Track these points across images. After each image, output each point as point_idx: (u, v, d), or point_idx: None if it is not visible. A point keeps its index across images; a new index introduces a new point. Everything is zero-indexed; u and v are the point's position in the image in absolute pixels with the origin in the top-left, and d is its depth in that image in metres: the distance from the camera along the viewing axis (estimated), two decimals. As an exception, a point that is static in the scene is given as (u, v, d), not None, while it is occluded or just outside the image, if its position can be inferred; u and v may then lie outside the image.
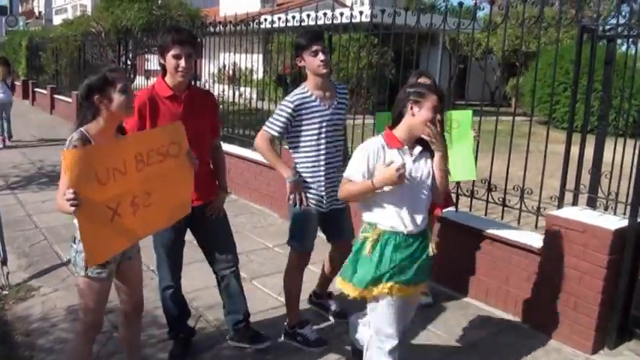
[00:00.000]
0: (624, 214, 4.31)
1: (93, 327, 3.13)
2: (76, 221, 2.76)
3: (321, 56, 3.83)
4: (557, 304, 4.31)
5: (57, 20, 39.08)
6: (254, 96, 9.06)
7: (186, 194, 3.26)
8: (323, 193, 3.96)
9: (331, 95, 3.98)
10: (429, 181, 3.16)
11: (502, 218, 5.21)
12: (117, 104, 2.89)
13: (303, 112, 3.86)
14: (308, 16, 7.09)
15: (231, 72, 9.86)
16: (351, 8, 6.35)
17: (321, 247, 4.34)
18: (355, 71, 8.83)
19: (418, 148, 3.13)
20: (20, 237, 6.24)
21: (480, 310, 4.82)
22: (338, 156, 4.02)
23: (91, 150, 2.73)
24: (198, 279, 4.78)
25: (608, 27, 4.79)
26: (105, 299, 3.11)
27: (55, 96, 18.73)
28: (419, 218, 3.11)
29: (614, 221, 4.15)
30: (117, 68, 3.03)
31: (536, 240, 4.53)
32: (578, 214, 4.30)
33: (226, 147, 7.14)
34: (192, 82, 3.65)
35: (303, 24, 7.22)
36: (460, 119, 4.44)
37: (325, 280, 4.58)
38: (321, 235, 4.23)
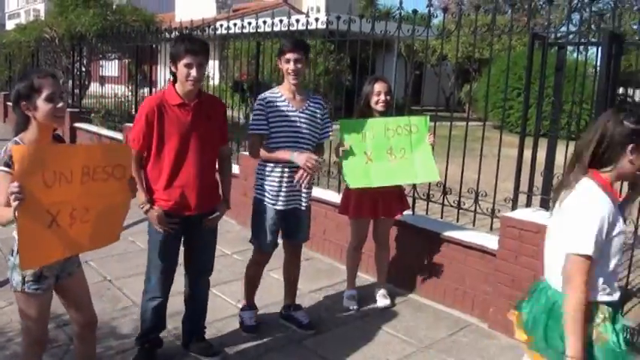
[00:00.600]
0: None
1: (37, 343, 3.04)
2: (15, 233, 2.68)
3: (292, 65, 4.04)
4: (513, 303, 4.38)
5: (10, 25, 38.15)
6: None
7: (118, 221, 3.09)
8: (280, 191, 4.06)
9: (302, 100, 4.15)
10: None
11: (457, 221, 5.30)
12: (41, 113, 2.77)
13: (272, 108, 4.05)
14: (264, 22, 7.10)
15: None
16: (307, 15, 6.38)
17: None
18: (312, 77, 8.89)
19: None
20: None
21: (438, 310, 4.88)
22: None
23: (42, 148, 2.68)
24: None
25: (559, 34, 4.93)
26: (46, 315, 3.01)
27: (8, 103, 18.24)
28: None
29: (566, 222, 4.25)
30: (47, 74, 2.87)
31: (491, 241, 4.62)
32: (531, 215, 4.40)
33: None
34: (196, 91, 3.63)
35: (259, 30, 7.22)
36: (418, 124, 4.50)
37: (289, 290, 4.61)
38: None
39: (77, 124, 12.30)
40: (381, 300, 4.89)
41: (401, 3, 5.51)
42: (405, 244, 5.24)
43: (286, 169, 4.06)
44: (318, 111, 4.20)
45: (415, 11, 5.48)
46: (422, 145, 4.49)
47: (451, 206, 5.26)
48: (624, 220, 2.46)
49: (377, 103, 4.57)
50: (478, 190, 5.06)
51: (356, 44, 5.92)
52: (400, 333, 4.45)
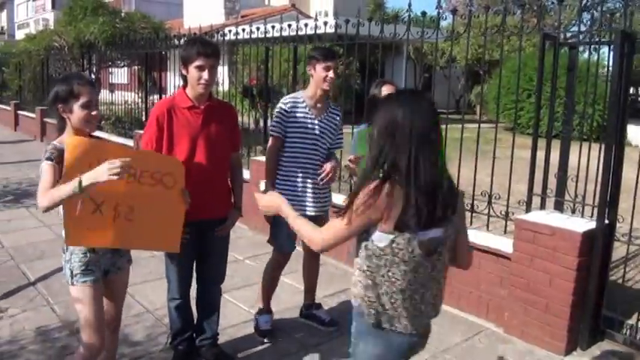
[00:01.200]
0: (591, 216, 4.38)
1: (94, 347, 3.03)
2: (64, 232, 2.84)
3: (331, 73, 4.08)
4: (529, 307, 4.34)
5: (19, 35, 38.41)
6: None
7: (174, 230, 3.19)
8: (293, 195, 4.09)
9: (322, 108, 4.21)
10: None
11: (471, 224, 5.24)
12: (76, 118, 2.90)
13: (292, 113, 4.11)
14: (273, 27, 7.10)
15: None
16: (316, 19, 6.37)
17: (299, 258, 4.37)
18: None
19: None
20: (-17, 257, 6.09)
21: (453, 315, 4.84)
22: (317, 165, 4.15)
23: (94, 142, 2.82)
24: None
25: (569, 34, 4.89)
26: (100, 308, 3.05)
27: (19, 112, 18.40)
28: None
29: (582, 223, 4.21)
30: (87, 82, 2.98)
31: (505, 244, 4.57)
32: (546, 217, 4.36)
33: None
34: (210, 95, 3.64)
35: (267, 35, 7.22)
36: None
37: (309, 290, 4.64)
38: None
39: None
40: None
41: (410, 5, 5.49)
42: (418, 248, 5.19)
43: (299, 173, 4.11)
44: (334, 121, 4.26)
45: (424, 13, 5.44)
46: None
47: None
48: None
49: None
50: (491, 192, 5.01)
51: (365, 48, 5.90)
52: (415, 338, 4.41)
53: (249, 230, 7.15)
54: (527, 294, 4.34)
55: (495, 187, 5.04)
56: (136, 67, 12.60)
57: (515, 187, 4.99)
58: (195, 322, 4.00)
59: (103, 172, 2.56)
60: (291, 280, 4.43)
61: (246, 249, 6.36)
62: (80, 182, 2.59)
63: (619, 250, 5.01)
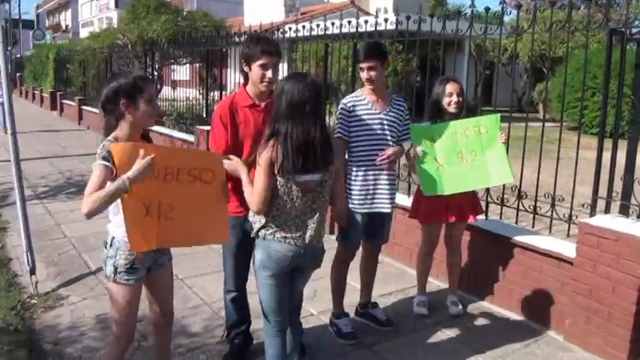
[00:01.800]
0: (660, 221, 4.20)
1: (125, 336, 3.11)
2: (109, 226, 2.95)
3: (365, 74, 4.09)
4: (590, 314, 4.20)
5: (84, 33, 39.64)
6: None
7: (220, 222, 3.20)
8: (364, 194, 4.12)
9: (384, 102, 4.18)
10: None
11: (533, 226, 5.12)
12: (142, 113, 2.91)
13: (354, 113, 4.10)
14: (332, 24, 7.08)
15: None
16: (376, 15, 6.32)
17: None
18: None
19: None
20: (49, 246, 6.30)
21: (512, 320, 4.73)
22: (386, 162, 4.10)
23: (138, 146, 2.78)
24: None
25: (637, 30, 4.69)
26: (135, 306, 3.09)
27: (83, 107, 19.01)
28: None
29: (648, 229, 4.04)
30: (146, 77, 3.02)
31: (568, 249, 4.43)
32: (611, 222, 4.20)
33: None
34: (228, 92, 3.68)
35: (327, 32, 7.20)
36: (487, 124, 4.36)
37: (366, 289, 4.63)
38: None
39: (150, 127, 12.62)
40: (453, 307, 4.77)
41: (473, 0, 5.38)
42: (477, 250, 5.10)
43: (369, 171, 4.10)
44: (401, 113, 4.22)
45: (487, 9, 5.32)
46: (494, 145, 4.34)
47: (526, 211, 5.08)
48: None
49: (449, 104, 4.43)
50: (555, 194, 4.87)
51: (425, 44, 5.82)
52: (472, 342, 4.33)
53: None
54: (589, 301, 4.20)
55: (559, 188, 4.90)
56: (197, 65, 12.80)
57: (578, 190, 4.83)
58: (250, 316, 4.03)
59: (144, 169, 2.63)
60: (348, 278, 4.41)
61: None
62: (129, 179, 2.64)
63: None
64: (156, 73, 14.89)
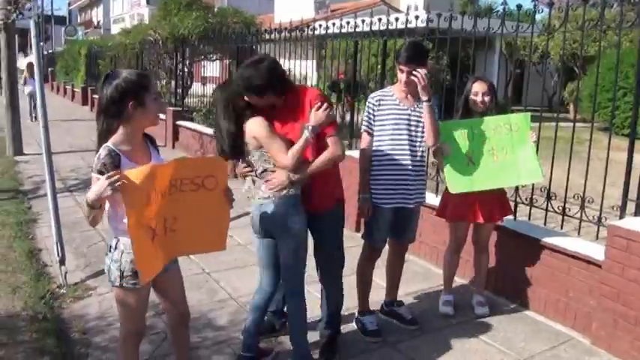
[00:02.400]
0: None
1: (134, 334, 3.12)
2: (118, 235, 2.88)
3: (404, 77, 4.03)
4: (618, 318, 4.14)
5: (115, 29, 40.11)
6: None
7: (220, 230, 3.16)
8: (386, 189, 4.12)
9: (413, 99, 4.14)
10: None
11: (562, 228, 5.07)
12: (150, 111, 2.83)
13: (380, 107, 4.14)
14: (363, 21, 7.07)
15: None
16: (407, 13, 6.29)
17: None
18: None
19: None
20: (78, 238, 6.41)
21: (538, 322, 4.68)
22: (410, 158, 4.10)
23: (146, 170, 2.70)
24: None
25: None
26: (143, 308, 3.09)
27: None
28: None
29: (679, 233, 3.96)
30: (147, 73, 2.92)
31: (597, 251, 4.37)
32: (641, 225, 4.14)
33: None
34: None
35: (357, 30, 7.19)
36: (519, 122, 4.34)
37: (391, 287, 4.63)
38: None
39: (179, 122, 12.77)
40: (479, 308, 4.74)
41: (505, -1, 5.33)
42: (505, 251, 5.06)
43: (393, 167, 4.10)
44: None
45: (519, 7, 5.25)
46: (524, 143, 4.32)
47: (555, 212, 5.02)
48: None
49: (475, 103, 4.45)
50: (585, 195, 4.81)
51: (456, 42, 5.78)
52: (497, 343, 4.30)
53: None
54: (617, 305, 4.14)
55: (588, 190, 4.83)
56: (228, 61, 12.88)
57: (608, 191, 4.76)
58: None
59: (104, 187, 2.52)
60: (374, 276, 4.41)
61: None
62: (86, 201, 2.62)
63: None
64: (186, 69, 15.01)
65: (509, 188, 4.86)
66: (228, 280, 5.27)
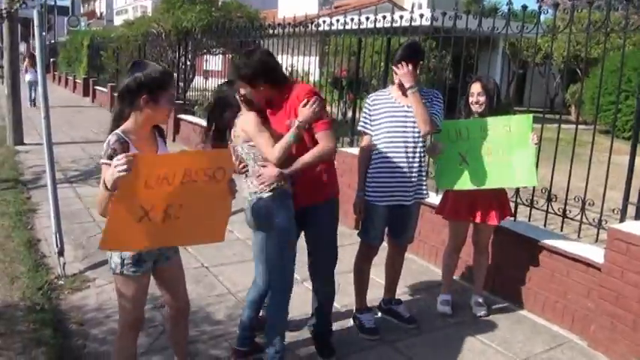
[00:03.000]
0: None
1: (132, 326, 3.12)
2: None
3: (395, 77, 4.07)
4: (616, 322, 4.14)
5: (118, 21, 40.06)
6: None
7: (220, 221, 3.16)
8: (380, 187, 4.10)
9: None
10: None
11: (561, 230, 5.06)
12: (161, 111, 2.88)
13: (376, 107, 4.16)
14: (367, 18, 7.05)
15: (287, 74, 9.89)
16: (412, 11, 6.27)
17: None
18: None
19: None
20: (77, 229, 6.41)
21: (536, 323, 4.68)
22: (405, 155, 4.08)
23: (150, 158, 2.75)
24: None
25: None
26: (142, 297, 3.09)
27: (115, 94, 19.17)
28: None
29: (679, 237, 3.96)
30: (170, 74, 2.95)
31: (596, 254, 4.37)
32: (641, 228, 4.13)
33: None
34: None
35: (361, 27, 7.18)
36: (519, 124, 4.33)
37: (390, 285, 4.62)
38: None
39: (181, 116, 12.76)
40: (477, 308, 4.74)
41: (510, -2, 5.32)
42: (504, 252, 5.05)
43: (387, 164, 4.08)
44: (427, 104, 4.08)
45: (525, 7, 5.24)
46: (523, 146, 4.30)
47: (555, 214, 5.02)
48: None
49: (472, 103, 4.47)
50: (585, 198, 4.80)
51: (460, 42, 5.77)
52: (495, 343, 4.30)
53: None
54: (615, 308, 4.13)
55: (589, 192, 4.82)
56: (230, 55, 12.86)
57: (609, 194, 4.75)
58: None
59: (121, 166, 2.51)
60: (372, 274, 4.41)
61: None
62: (105, 186, 2.62)
63: None
64: (189, 63, 14.99)
65: (510, 189, 4.86)
66: (227, 274, 5.27)
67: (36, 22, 5.76)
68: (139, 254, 2.93)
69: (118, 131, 2.84)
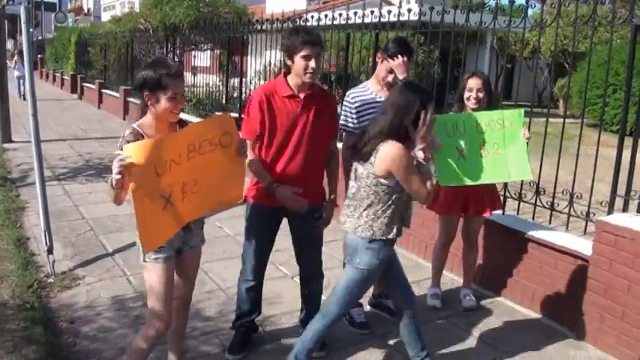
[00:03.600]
0: (679, 221, 4.16)
1: (160, 321, 3.06)
2: (138, 237, 2.87)
3: (395, 64, 4.00)
4: (605, 313, 4.18)
5: (105, 17, 39.80)
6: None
7: (237, 184, 3.22)
8: None
9: (389, 89, 4.06)
10: None
11: (550, 222, 5.09)
12: (161, 109, 2.92)
13: (359, 104, 4.10)
14: (355, 13, 7.05)
15: (276, 69, 9.89)
16: (399, 6, 6.28)
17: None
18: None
19: None
20: (66, 227, 6.38)
21: (525, 316, 4.71)
22: None
23: (150, 144, 2.76)
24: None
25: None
26: (170, 288, 3.07)
27: (103, 90, 19.11)
28: None
29: (666, 229, 4.00)
30: (176, 74, 2.94)
31: (584, 246, 4.40)
32: (628, 220, 4.16)
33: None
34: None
35: (349, 22, 7.18)
36: (512, 118, 4.34)
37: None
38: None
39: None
40: (467, 301, 4.77)
41: (498, -8, 5.34)
42: (493, 245, 5.08)
43: None
44: None
45: (512, 1, 5.26)
46: (516, 140, 4.32)
47: (544, 207, 5.05)
48: None
49: (468, 99, 4.45)
50: (573, 191, 4.83)
51: (448, 36, 5.78)
52: (485, 336, 4.33)
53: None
54: (604, 300, 4.17)
55: (577, 185, 4.85)
56: (218, 51, 12.84)
57: (597, 187, 4.79)
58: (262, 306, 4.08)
59: (114, 170, 2.59)
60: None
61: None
62: (110, 183, 2.66)
63: None
64: (177, 59, 14.92)
65: (499, 183, 4.88)
66: (216, 271, 5.26)
67: (23, 19, 5.72)
68: None
69: (134, 124, 2.96)
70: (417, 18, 6.14)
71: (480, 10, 5.94)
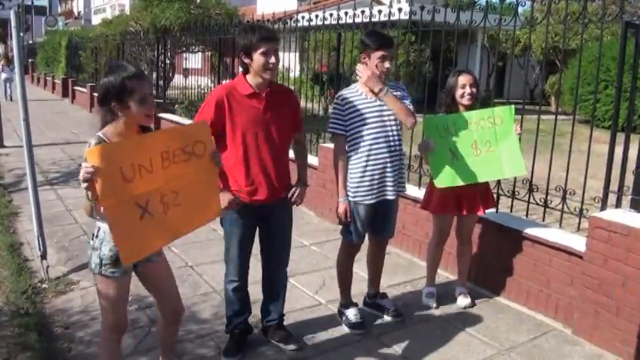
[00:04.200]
0: (672, 216, 4.18)
1: (115, 328, 3.08)
2: (99, 222, 2.87)
3: (385, 64, 4.02)
4: (599, 309, 4.19)
5: (96, 20, 39.73)
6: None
7: (211, 197, 3.12)
8: (362, 184, 4.07)
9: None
10: None
11: (543, 219, 5.11)
12: (134, 113, 2.81)
13: (350, 106, 4.05)
14: (346, 14, 7.05)
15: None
16: (390, 5, 6.29)
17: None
18: (393, 69, 8.68)
19: None
20: (60, 231, 6.35)
21: (520, 313, 4.72)
22: (387, 149, 4.06)
23: (112, 146, 2.68)
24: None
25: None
26: (123, 299, 3.06)
27: (95, 94, 18.98)
28: None
29: (659, 224, 4.01)
30: (136, 75, 2.81)
31: (578, 242, 4.42)
32: (621, 216, 4.17)
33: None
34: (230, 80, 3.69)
35: (340, 22, 7.18)
36: (502, 115, 4.35)
37: (374, 279, 4.62)
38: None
39: (161, 115, 12.67)
40: (462, 299, 4.77)
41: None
42: (487, 243, 5.10)
43: (370, 161, 4.03)
44: (397, 94, 4.08)
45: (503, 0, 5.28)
46: (508, 137, 4.33)
47: (537, 204, 5.06)
48: None
49: (462, 96, 4.41)
50: (566, 187, 4.85)
51: (438, 35, 5.78)
52: (480, 334, 4.33)
53: (315, 216, 7.18)
54: (598, 295, 4.19)
55: (570, 182, 4.87)
56: (209, 53, 12.82)
57: (589, 183, 4.81)
58: (260, 304, 4.07)
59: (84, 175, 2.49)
60: (356, 269, 4.42)
61: (312, 235, 6.40)
62: (86, 195, 2.61)
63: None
64: (168, 61, 14.90)
65: (492, 180, 4.89)
66: (210, 273, 5.25)
67: (13, 23, 5.70)
68: (117, 254, 2.82)
69: (99, 133, 2.83)
70: (407, 17, 6.15)
71: (470, 8, 5.92)
